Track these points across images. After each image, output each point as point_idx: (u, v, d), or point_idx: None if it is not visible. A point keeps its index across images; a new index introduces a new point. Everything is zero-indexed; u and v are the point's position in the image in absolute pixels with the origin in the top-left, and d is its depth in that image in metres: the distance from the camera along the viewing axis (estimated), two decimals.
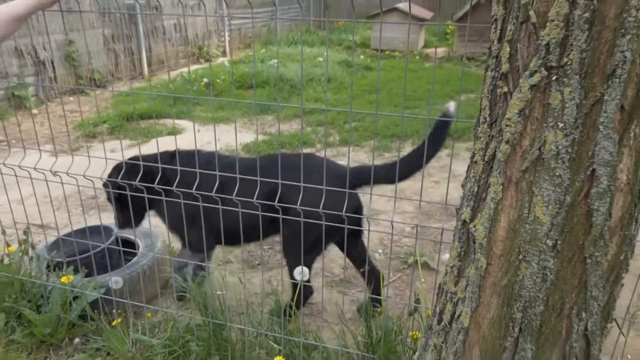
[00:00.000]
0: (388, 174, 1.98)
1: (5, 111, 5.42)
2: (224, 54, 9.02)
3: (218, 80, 6.44)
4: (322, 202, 1.49)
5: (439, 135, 1.84)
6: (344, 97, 6.15)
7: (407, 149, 4.57)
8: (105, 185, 2.14)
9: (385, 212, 3.37)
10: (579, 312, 0.98)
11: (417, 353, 1.30)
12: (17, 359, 1.99)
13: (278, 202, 1.64)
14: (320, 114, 5.46)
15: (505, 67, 0.92)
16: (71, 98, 6.36)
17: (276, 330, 1.90)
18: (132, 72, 7.32)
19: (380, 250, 3.02)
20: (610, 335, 1.55)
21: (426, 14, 9.21)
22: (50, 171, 1.80)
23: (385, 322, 1.70)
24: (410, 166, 1.94)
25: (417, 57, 8.65)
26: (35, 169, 1.90)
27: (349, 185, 1.81)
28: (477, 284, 1.05)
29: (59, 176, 1.84)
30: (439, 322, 1.17)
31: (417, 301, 1.69)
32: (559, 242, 0.94)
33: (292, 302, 1.88)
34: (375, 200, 3.57)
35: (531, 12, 0.85)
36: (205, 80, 6.42)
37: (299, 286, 1.84)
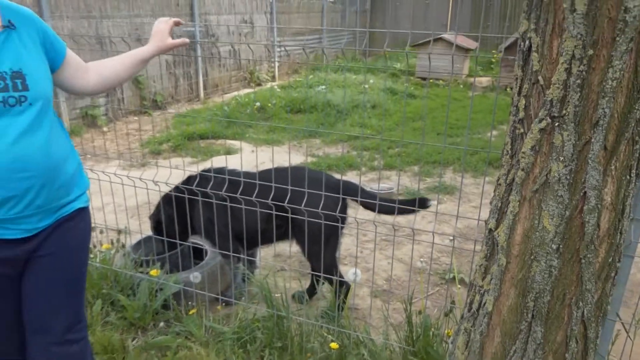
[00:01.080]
0: (368, 201, 2.46)
1: (80, 128, 6.09)
2: (273, 78, 9.60)
3: (269, 104, 6.96)
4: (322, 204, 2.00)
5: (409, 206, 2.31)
6: (389, 123, 6.52)
7: (449, 174, 4.88)
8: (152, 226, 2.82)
9: (426, 233, 3.69)
10: (577, 302, 1.30)
11: (451, 338, 1.63)
12: (111, 337, 2.41)
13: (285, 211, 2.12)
14: (365, 139, 5.85)
15: (521, 114, 1.27)
16: (135, 118, 7.01)
17: (330, 324, 2.25)
18: (190, 95, 7.97)
19: (421, 259, 3.35)
20: (619, 340, 1.82)
21: (471, 44, 9.53)
22: (153, 181, 2.25)
23: (424, 319, 2.03)
24: (384, 208, 2.44)
25: (462, 86, 8.96)
26: (144, 178, 2.35)
27: (340, 194, 2.32)
28: (499, 278, 1.38)
29: (157, 184, 2.29)
30: (469, 310, 1.50)
31: (453, 302, 2.01)
32: (561, 246, 1.27)
33: (339, 298, 2.25)
34: (418, 221, 3.89)
35: (540, 77, 1.21)
36: (257, 104, 6.95)
37: (352, 286, 2.20)
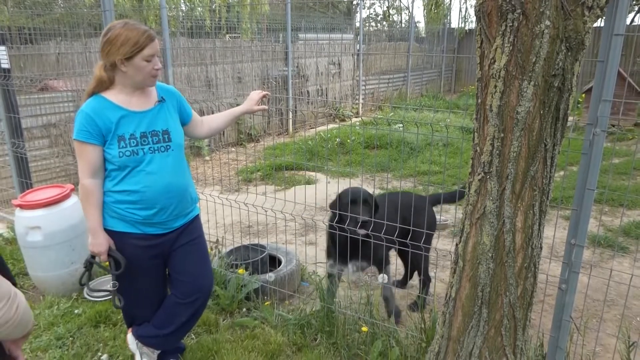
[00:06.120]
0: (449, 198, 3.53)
1: (187, 157, 7.47)
2: (357, 115, 10.63)
3: (349, 140, 7.95)
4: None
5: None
6: (458, 160, 7.21)
7: None
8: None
9: None
10: (505, 292, 2.05)
11: (438, 319, 2.42)
12: (209, 316, 3.43)
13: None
14: (432, 175, 6.60)
15: (470, 170, 2.08)
16: (232, 149, 8.33)
17: (366, 316, 3.09)
18: (280, 129, 9.21)
19: None
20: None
21: None
22: (244, 203, 3.27)
23: (434, 315, 2.81)
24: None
25: None
26: (238, 201, 3.38)
27: (429, 205, 3.37)
28: (459, 276, 2.17)
29: (255, 207, 3.30)
30: (446, 298, 2.29)
31: None
32: (494, 254, 2.04)
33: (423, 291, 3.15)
34: None
35: (477, 148, 2.02)
36: (338, 140, 7.97)
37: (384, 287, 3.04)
